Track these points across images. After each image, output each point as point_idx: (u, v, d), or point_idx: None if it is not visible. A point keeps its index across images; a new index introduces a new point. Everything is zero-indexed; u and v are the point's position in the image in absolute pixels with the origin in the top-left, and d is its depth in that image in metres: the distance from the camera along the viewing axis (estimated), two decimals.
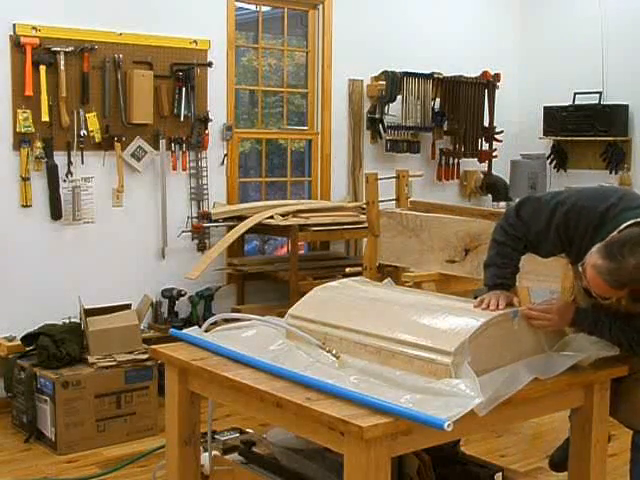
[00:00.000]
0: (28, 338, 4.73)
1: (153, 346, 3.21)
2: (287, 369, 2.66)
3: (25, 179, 4.97)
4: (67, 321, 4.84)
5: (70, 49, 5.01)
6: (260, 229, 5.69)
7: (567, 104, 6.80)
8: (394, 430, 2.31)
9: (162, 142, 5.43)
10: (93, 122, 5.13)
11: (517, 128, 7.25)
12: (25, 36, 4.87)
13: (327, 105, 6.30)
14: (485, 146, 7.01)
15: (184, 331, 3.16)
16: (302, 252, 6.25)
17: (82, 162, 5.14)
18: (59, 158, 5.06)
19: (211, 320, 3.19)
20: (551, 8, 7.24)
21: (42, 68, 4.91)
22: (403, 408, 2.32)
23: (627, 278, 2.47)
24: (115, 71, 5.21)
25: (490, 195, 7.11)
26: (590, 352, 2.79)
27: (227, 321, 3.32)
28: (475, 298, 2.93)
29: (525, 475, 3.77)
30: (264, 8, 6.17)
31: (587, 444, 2.84)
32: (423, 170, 6.54)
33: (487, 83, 6.91)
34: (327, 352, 2.74)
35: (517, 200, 3.08)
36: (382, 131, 6.47)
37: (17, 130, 4.91)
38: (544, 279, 4.58)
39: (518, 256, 2.99)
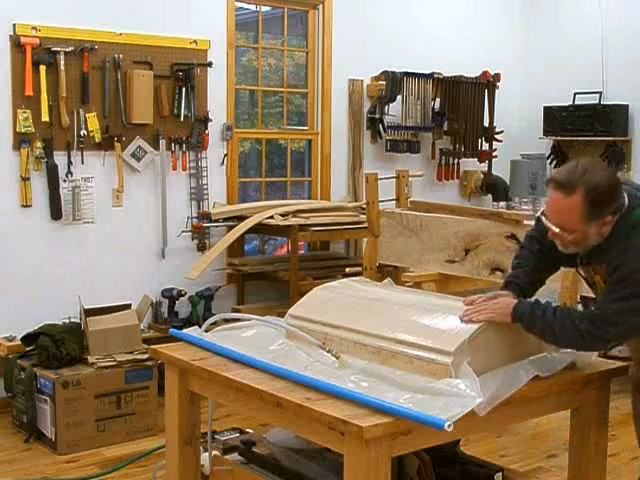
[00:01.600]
0: (28, 338, 4.73)
1: (153, 346, 3.21)
2: (287, 369, 2.66)
3: (25, 179, 4.97)
4: (67, 321, 4.84)
5: (70, 49, 5.01)
6: (260, 229, 5.69)
7: (567, 104, 6.80)
8: (394, 430, 2.31)
9: (162, 142, 5.43)
10: (93, 122, 5.13)
11: (517, 128, 7.25)
12: (25, 36, 4.87)
13: (327, 105, 6.30)
14: (485, 146, 7.01)
15: (184, 331, 3.16)
16: (302, 252, 6.25)
17: (82, 162, 5.14)
18: (59, 158, 5.06)
19: (211, 320, 3.18)
20: (551, 8, 7.24)
21: (42, 68, 4.91)
22: (403, 408, 2.32)
23: (577, 176, 2.52)
24: (115, 71, 5.21)
25: (490, 195, 7.12)
26: None
27: (227, 321, 3.32)
28: None
29: (525, 475, 3.77)
30: (264, 8, 6.17)
31: (587, 444, 2.84)
32: (423, 170, 6.54)
33: (487, 83, 6.91)
34: (327, 352, 2.74)
35: None
36: (382, 131, 6.47)
37: (17, 130, 4.91)
38: None
39: (533, 257, 2.88)
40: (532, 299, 2.79)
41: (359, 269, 4.95)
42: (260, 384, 2.61)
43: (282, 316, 3.09)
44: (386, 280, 3.45)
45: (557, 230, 2.59)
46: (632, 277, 2.52)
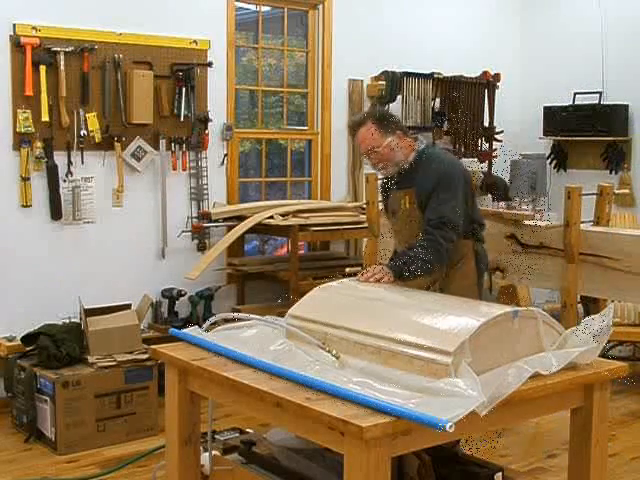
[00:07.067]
0: (28, 338, 4.73)
1: (153, 346, 3.21)
2: (287, 369, 2.66)
3: (25, 179, 4.97)
4: (67, 321, 4.84)
5: (70, 49, 5.01)
6: (260, 229, 5.69)
7: (567, 104, 6.80)
8: (394, 430, 2.31)
9: (162, 142, 5.43)
10: (93, 122, 5.13)
11: (517, 128, 7.25)
12: (25, 36, 4.87)
13: (327, 105, 6.30)
14: (485, 146, 7.01)
15: (184, 331, 3.16)
16: (302, 252, 6.25)
17: (82, 162, 5.14)
18: (59, 158, 5.06)
19: (211, 320, 3.18)
20: (551, 8, 7.24)
21: (42, 68, 4.91)
22: (403, 408, 2.31)
23: (360, 116, 3.69)
24: (115, 71, 5.21)
25: (490, 195, 7.11)
26: (591, 346, 2.76)
27: (227, 321, 3.32)
28: None
29: (525, 475, 3.77)
30: (264, 8, 6.17)
31: (587, 444, 2.84)
32: None
33: (487, 83, 6.91)
34: (327, 352, 2.74)
35: None
36: None
37: (17, 130, 4.91)
38: (545, 279, 4.58)
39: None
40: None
41: (359, 269, 4.94)
42: (260, 384, 2.61)
43: (282, 316, 3.09)
44: None
45: (372, 155, 3.56)
46: (452, 179, 3.53)
